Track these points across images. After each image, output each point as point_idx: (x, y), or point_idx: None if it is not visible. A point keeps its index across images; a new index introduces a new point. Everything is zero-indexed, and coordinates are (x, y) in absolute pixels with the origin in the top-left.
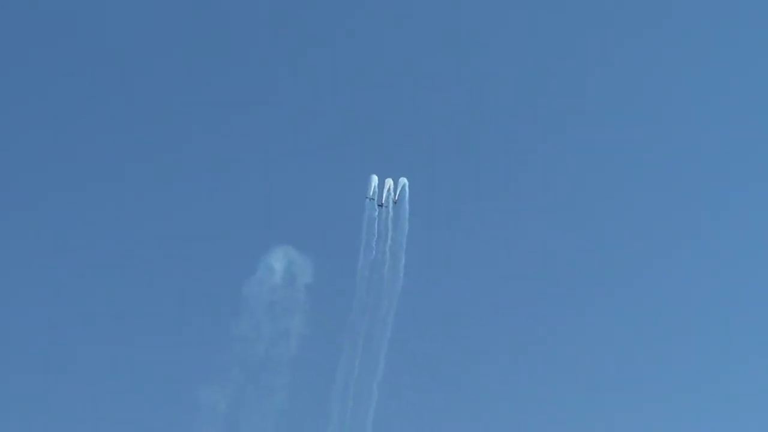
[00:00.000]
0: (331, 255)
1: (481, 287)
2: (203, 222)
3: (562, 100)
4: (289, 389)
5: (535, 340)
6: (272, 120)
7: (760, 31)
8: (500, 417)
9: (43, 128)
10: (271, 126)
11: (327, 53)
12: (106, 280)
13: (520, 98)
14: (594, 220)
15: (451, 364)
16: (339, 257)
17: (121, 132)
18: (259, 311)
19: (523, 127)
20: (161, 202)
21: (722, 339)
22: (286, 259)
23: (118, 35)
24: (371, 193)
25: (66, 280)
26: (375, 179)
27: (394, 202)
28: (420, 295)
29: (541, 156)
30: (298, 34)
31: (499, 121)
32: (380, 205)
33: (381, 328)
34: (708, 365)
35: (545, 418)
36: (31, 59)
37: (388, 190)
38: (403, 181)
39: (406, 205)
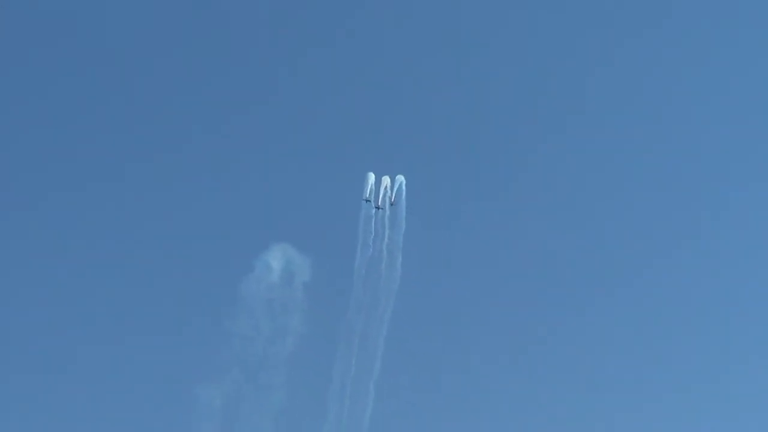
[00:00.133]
0: (329, 253)
1: (479, 286)
2: (201, 220)
3: (561, 99)
4: (286, 387)
5: (533, 340)
6: (270, 119)
7: (760, 31)
8: (497, 416)
9: (43, 128)
10: (269, 125)
11: (325, 53)
12: (105, 279)
13: (519, 97)
14: (593, 219)
15: (448, 363)
16: (337, 256)
17: (119, 132)
18: (257, 309)
19: (521, 127)
20: (159, 202)
21: (722, 339)
22: (284, 257)
23: (118, 35)
24: (368, 195)
25: (64, 279)
26: (372, 177)
27: (391, 204)
28: (417, 293)
29: (540, 155)
30: (297, 34)
31: (496, 120)
32: (377, 208)
33: (378, 327)
34: (708, 365)
35: (543, 418)
36: (31, 59)
37: (385, 188)
38: (400, 179)
39: (403, 204)
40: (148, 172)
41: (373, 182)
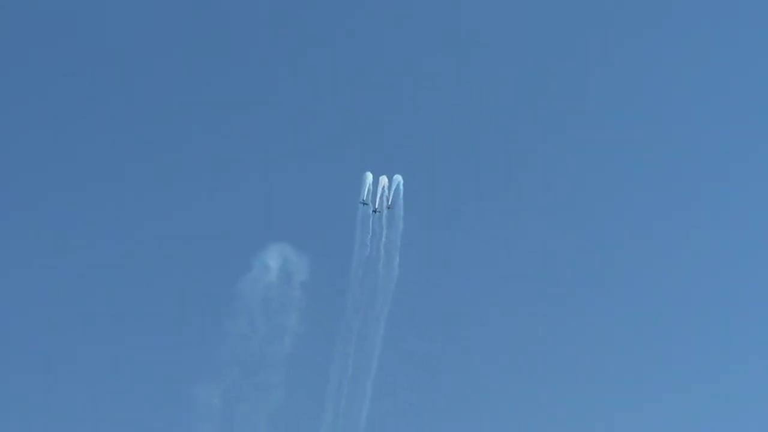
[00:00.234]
0: (326, 253)
1: (476, 286)
2: (199, 220)
3: (560, 99)
4: (284, 387)
5: (531, 340)
6: (268, 119)
7: (760, 31)
8: (495, 416)
9: (42, 128)
10: (267, 125)
11: (323, 53)
12: (103, 279)
13: (517, 97)
14: (591, 219)
15: (445, 362)
16: (335, 255)
17: (117, 132)
18: (255, 309)
19: (519, 126)
20: (157, 202)
21: (722, 339)
22: (282, 256)
23: (118, 35)
24: (365, 198)
25: (62, 279)
26: (370, 177)
27: (388, 208)
28: (414, 293)
29: (538, 155)
30: (295, 34)
31: (495, 119)
32: (374, 211)
33: (375, 327)
34: (708, 365)
35: (541, 418)
36: (31, 59)
37: (383, 190)
38: (398, 178)
39: (401, 203)
40: (146, 173)
41: (371, 182)
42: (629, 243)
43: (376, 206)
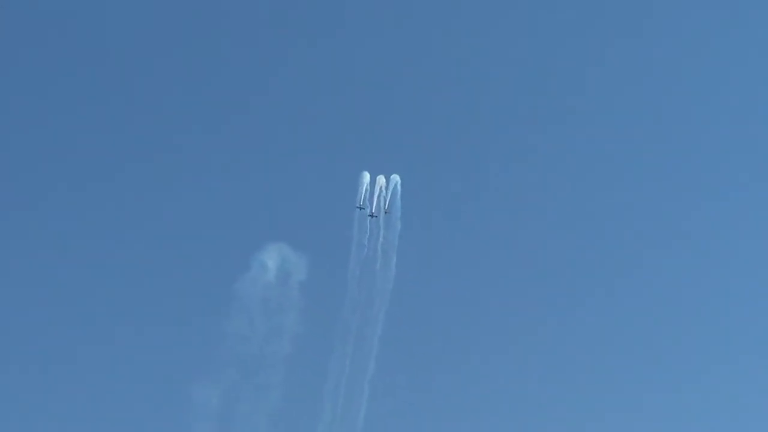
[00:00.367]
0: (324, 252)
1: (474, 286)
2: (197, 220)
3: (559, 99)
4: (282, 387)
5: (528, 340)
6: (266, 119)
7: (760, 31)
8: (491, 416)
9: (41, 128)
10: (265, 125)
11: (321, 53)
12: (101, 279)
13: (515, 97)
14: (590, 219)
15: (442, 362)
16: (333, 255)
17: (116, 132)
18: (253, 309)
19: (517, 126)
20: (156, 202)
21: (722, 339)
22: (280, 256)
23: (117, 36)
24: (361, 202)
25: (60, 279)
26: (367, 177)
27: (386, 212)
28: (411, 293)
29: (536, 155)
30: (294, 33)
31: (493, 119)
32: (371, 215)
33: (373, 327)
34: (708, 365)
35: (538, 418)
36: (30, 59)
37: (380, 191)
38: (396, 178)
39: (398, 203)
40: (144, 173)
41: (368, 182)
42: (628, 243)
43: (373, 211)
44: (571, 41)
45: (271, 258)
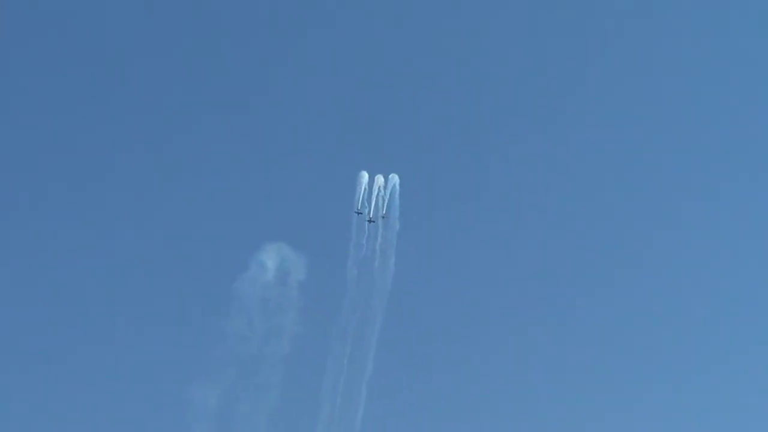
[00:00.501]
0: (323, 252)
1: (472, 286)
2: (196, 220)
3: (558, 99)
4: (281, 386)
5: (527, 340)
6: (265, 119)
7: (760, 31)
8: (489, 416)
9: (40, 128)
10: (264, 124)
11: (320, 52)
12: (99, 278)
13: (514, 96)
14: (589, 219)
15: (440, 363)
16: (332, 254)
17: (114, 132)
18: (252, 308)
19: (516, 126)
20: (154, 201)
21: (722, 339)
22: (279, 256)
23: (116, 35)
24: (359, 206)
25: (58, 279)
26: (365, 176)
27: (383, 217)
28: (410, 293)
29: (536, 154)
30: (292, 33)
31: (491, 119)
32: (369, 221)
33: (371, 327)
34: (708, 365)
35: (537, 418)
36: (30, 59)
37: (378, 190)
38: (394, 178)
39: (397, 203)
40: (143, 173)
41: (367, 182)
42: (628, 243)
43: (371, 216)
44: (571, 41)
45: (270, 258)
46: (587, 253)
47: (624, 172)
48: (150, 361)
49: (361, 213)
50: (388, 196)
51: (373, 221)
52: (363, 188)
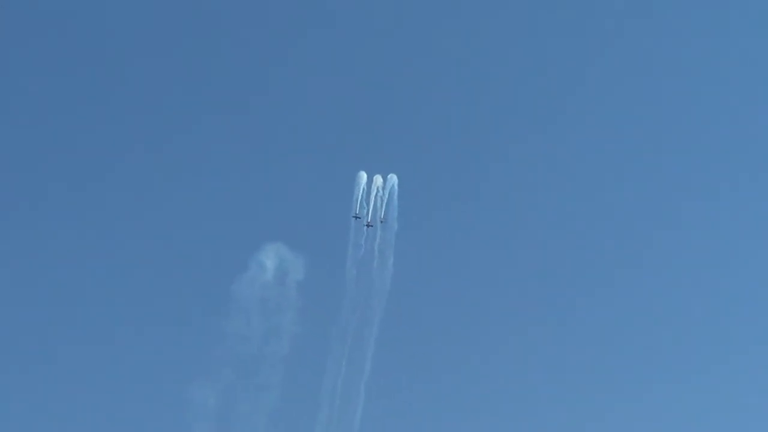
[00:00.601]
0: (322, 252)
1: (471, 286)
2: (195, 220)
3: (558, 99)
4: (280, 387)
5: (526, 340)
6: (263, 119)
7: (760, 31)
8: (488, 417)
9: (41, 128)
10: (263, 124)
11: (319, 52)
12: (98, 278)
13: (513, 96)
14: (588, 219)
15: (439, 362)
16: (330, 255)
17: (114, 132)
18: (251, 309)
19: (515, 125)
20: (153, 201)
21: (722, 339)
22: (278, 256)
23: (116, 35)
24: (358, 204)
25: (57, 278)
26: (364, 177)
27: (381, 221)
28: (408, 293)
29: (535, 154)
30: (290, 33)
31: (491, 118)
32: (368, 225)
33: (370, 327)
34: (708, 365)
35: (536, 418)
36: (30, 59)
37: (376, 190)
38: (393, 178)
39: (395, 203)
40: (142, 172)
41: (365, 182)
42: (628, 243)
43: (369, 220)
44: (571, 41)
45: (269, 258)
46: (587, 253)
47: (624, 172)
48: (149, 361)
49: (360, 217)
50: (386, 196)
51: (371, 226)
52: (361, 189)
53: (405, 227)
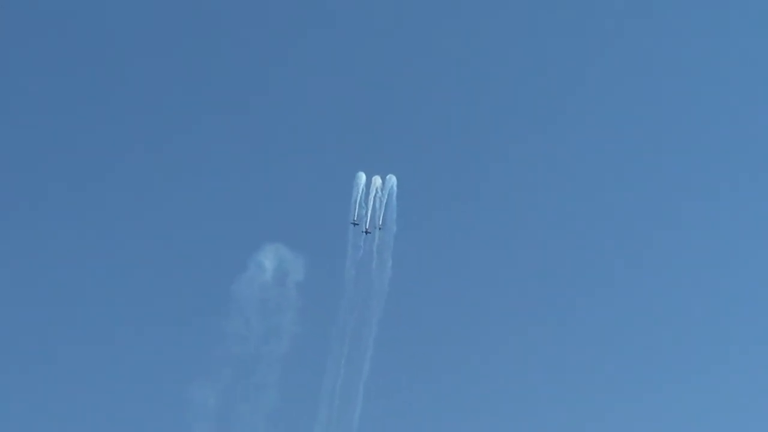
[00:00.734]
0: (322, 253)
1: (470, 287)
2: (194, 220)
3: (557, 99)
4: (280, 387)
5: (524, 341)
6: (263, 119)
7: (760, 31)
8: (488, 417)
9: (40, 127)
10: (262, 125)
11: (319, 52)
12: (97, 279)
13: (513, 96)
14: (590, 220)
15: (439, 363)
16: (330, 255)
17: (113, 132)
18: (250, 309)
19: (515, 126)
20: (152, 202)
21: (722, 339)
22: (277, 257)
23: (116, 35)
24: (355, 216)
25: (55, 278)
26: (362, 177)
27: (379, 228)
28: (407, 294)
29: (534, 154)
30: (292, 33)
31: (490, 119)
32: (366, 232)
33: (369, 327)
34: (708, 365)
35: (535, 419)
36: (30, 59)
37: (375, 192)
38: (392, 179)
39: (394, 204)
40: (142, 172)
41: (364, 184)
42: (628, 243)
43: (367, 227)
44: (571, 41)
45: (268, 258)
46: (587, 253)
47: (624, 172)
48: (149, 361)
49: (358, 224)
50: (385, 197)
51: (370, 232)
52: (360, 190)
53: (404, 228)
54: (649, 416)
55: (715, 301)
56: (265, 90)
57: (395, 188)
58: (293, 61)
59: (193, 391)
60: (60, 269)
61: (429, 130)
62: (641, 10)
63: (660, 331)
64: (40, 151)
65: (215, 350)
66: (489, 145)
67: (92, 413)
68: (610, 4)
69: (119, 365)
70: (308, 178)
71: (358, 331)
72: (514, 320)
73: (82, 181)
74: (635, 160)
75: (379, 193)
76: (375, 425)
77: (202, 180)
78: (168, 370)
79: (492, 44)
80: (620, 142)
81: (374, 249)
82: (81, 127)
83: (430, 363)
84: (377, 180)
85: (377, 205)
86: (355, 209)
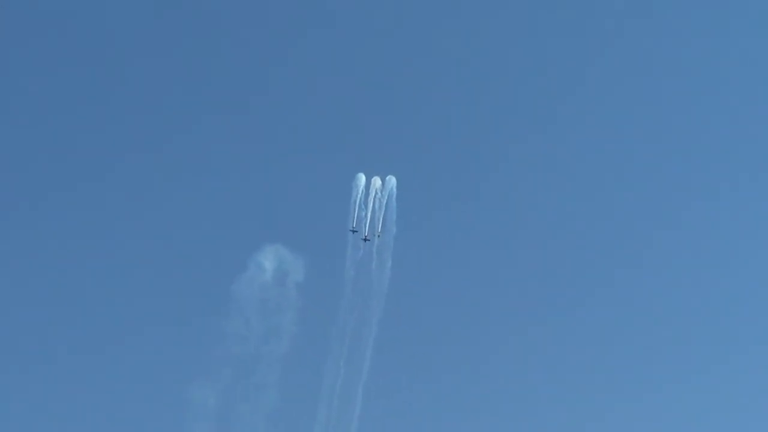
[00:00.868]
0: (322, 253)
1: (470, 287)
2: (194, 221)
3: (557, 99)
4: (279, 387)
5: (524, 342)
6: (263, 119)
7: (760, 31)
8: (487, 417)
9: (40, 127)
10: (262, 124)
11: (319, 52)
12: (97, 279)
13: (513, 96)
14: (589, 220)
15: (438, 363)
16: (330, 256)
17: (113, 132)
18: (250, 309)
19: (514, 126)
20: (152, 202)
21: (722, 339)
22: (277, 257)
23: (116, 35)
24: (354, 220)
25: (55, 279)
26: (362, 178)
27: (378, 236)
28: (407, 294)
29: (534, 154)
30: (292, 33)
31: (490, 119)
32: (365, 239)
33: (368, 328)
34: (708, 365)
35: (535, 419)
36: (30, 59)
37: (375, 193)
38: (391, 180)
39: (394, 205)
40: (142, 173)
41: (364, 184)
42: (628, 243)
43: (366, 234)
44: (571, 41)
45: (268, 259)
46: (587, 253)
47: (624, 172)
48: (149, 361)
49: (357, 231)
50: (385, 199)
51: (368, 240)
52: (360, 192)
53: (404, 229)
54: (649, 416)
55: (715, 301)
56: (265, 90)
57: (395, 189)
58: (293, 61)
59: (193, 391)
60: (60, 269)
61: (429, 130)
62: (641, 10)
63: (660, 331)
64: (40, 151)
65: (215, 350)
66: (489, 145)
67: (92, 413)
68: (610, 4)
69: (119, 365)
70: (308, 179)
71: (357, 332)
72: (514, 320)
73: (82, 181)
74: (635, 160)
75: (379, 194)
76: (375, 425)
77: (202, 180)
78: (168, 370)
79: (492, 44)
80: (620, 142)
81: (374, 250)
82: (81, 127)
83: (430, 363)
84: (377, 181)
85: (377, 207)
86: (354, 211)
